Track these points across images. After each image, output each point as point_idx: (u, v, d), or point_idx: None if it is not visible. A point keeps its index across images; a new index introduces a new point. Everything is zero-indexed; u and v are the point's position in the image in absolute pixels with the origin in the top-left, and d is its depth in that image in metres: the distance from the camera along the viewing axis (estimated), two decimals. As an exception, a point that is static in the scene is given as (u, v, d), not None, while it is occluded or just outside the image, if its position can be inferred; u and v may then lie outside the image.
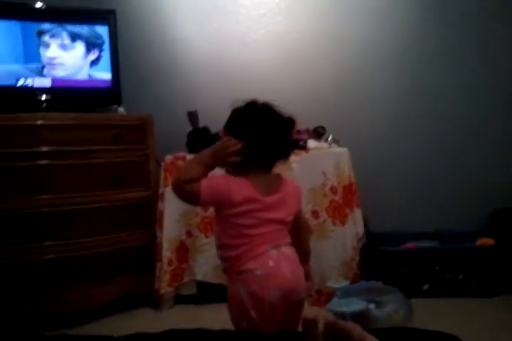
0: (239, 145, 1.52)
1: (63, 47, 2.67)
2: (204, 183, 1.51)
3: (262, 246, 1.52)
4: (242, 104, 1.60)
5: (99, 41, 2.75)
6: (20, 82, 2.60)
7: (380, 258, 2.64)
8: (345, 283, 2.33)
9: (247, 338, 1.37)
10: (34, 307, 2.40)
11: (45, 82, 2.65)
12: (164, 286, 2.64)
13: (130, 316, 2.59)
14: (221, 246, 1.57)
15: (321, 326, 1.06)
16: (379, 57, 3.16)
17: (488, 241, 2.78)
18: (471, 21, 3.12)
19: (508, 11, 3.10)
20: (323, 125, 2.91)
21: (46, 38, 2.63)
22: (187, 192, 1.52)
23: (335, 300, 2.16)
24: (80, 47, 2.70)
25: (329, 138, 2.85)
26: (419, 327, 1.42)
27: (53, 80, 2.66)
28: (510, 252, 2.68)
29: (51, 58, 2.65)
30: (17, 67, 2.60)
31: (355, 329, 1.02)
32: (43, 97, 2.61)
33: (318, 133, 2.89)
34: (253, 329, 1.49)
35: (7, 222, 2.36)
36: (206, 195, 1.50)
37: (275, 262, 1.51)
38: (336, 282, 2.37)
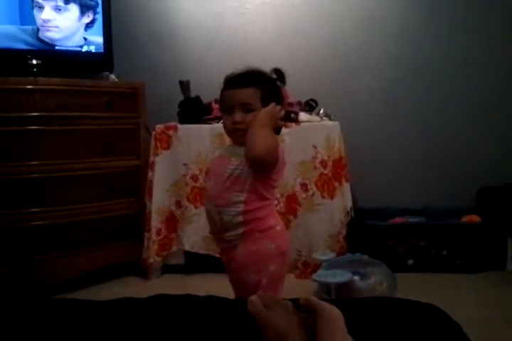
0: (283, 110, 1.58)
1: (57, 9, 2.62)
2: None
3: (274, 203, 1.66)
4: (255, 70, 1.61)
5: (93, 3, 2.70)
6: (13, 45, 2.56)
7: (366, 232, 2.66)
8: (331, 255, 2.35)
9: (234, 303, 1.40)
10: (22, 274, 2.40)
11: (38, 46, 2.60)
12: (152, 256, 2.66)
13: (118, 284, 2.61)
14: (248, 211, 1.55)
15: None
16: (374, 29, 3.15)
17: (474, 218, 2.81)
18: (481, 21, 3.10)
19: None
20: (315, 98, 2.90)
21: (39, -1, 2.58)
22: (275, 158, 1.53)
23: (321, 272, 2.18)
24: (74, 9, 2.65)
25: (321, 112, 2.85)
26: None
27: (46, 44, 2.62)
28: (495, 229, 2.71)
29: (45, 21, 2.60)
30: (12, 29, 2.56)
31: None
32: (34, 61, 2.57)
33: (310, 106, 2.88)
34: (273, 286, 1.57)
35: (-5, 187, 2.35)
36: (279, 159, 1.55)
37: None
38: (322, 254, 2.40)
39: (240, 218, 1.55)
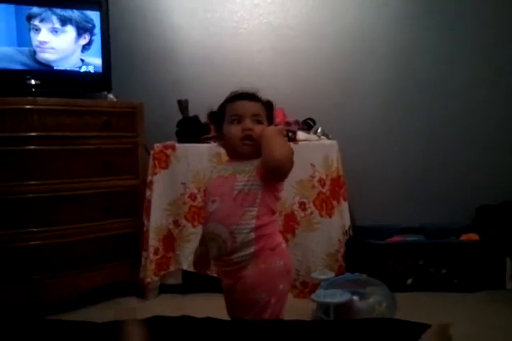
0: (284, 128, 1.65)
1: (54, 31, 2.64)
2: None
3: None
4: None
5: (89, 25, 2.73)
6: (11, 66, 2.57)
7: (365, 251, 2.65)
8: (330, 275, 2.34)
9: (232, 326, 1.39)
10: (18, 294, 2.38)
11: (36, 67, 2.62)
12: (150, 275, 2.64)
13: (115, 304, 2.58)
14: (259, 227, 1.55)
15: None
16: (373, 51, 3.17)
17: (473, 236, 2.81)
18: (466, 15, 3.12)
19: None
20: (313, 117, 2.91)
21: (36, 21, 2.60)
22: (292, 164, 1.55)
23: (320, 291, 2.17)
24: (70, 31, 2.68)
25: (318, 131, 2.86)
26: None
27: (44, 65, 2.64)
28: (494, 248, 2.71)
29: (41, 42, 2.62)
30: (10, 50, 2.57)
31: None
32: (33, 82, 2.58)
33: (308, 125, 2.89)
34: (280, 304, 1.57)
35: (-7, 207, 2.34)
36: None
37: None
38: (321, 273, 2.38)
39: (252, 235, 1.54)
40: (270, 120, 1.66)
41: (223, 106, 1.67)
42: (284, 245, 1.64)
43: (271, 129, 1.57)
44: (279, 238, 1.64)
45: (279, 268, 1.58)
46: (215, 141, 2.65)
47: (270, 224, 1.59)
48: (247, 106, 1.61)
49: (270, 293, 1.55)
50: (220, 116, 1.66)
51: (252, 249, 1.54)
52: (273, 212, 1.60)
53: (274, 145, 1.50)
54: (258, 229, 1.54)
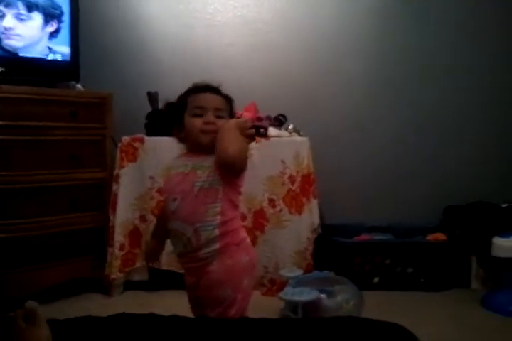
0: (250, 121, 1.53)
1: (19, 17, 2.55)
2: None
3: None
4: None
5: (57, 12, 2.64)
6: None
7: (333, 249, 2.65)
8: (298, 273, 2.33)
9: (198, 324, 1.35)
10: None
11: (0, 53, 2.52)
12: (115, 271, 2.59)
13: (78, 301, 2.53)
14: (224, 222, 1.53)
15: None
16: (348, 47, 3.16)
17: (440, 236, 2.82)
18: (447, 9, 3.12)
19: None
20: (285, 114, 2.89)
21: (0, 7, 2.50)
22: (246, 161, 1.51)
23: (288, 289, 2.15)
24: (37, 18, 2.59)
25: (290, 127, 2.84)
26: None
27: (9, 52, 2.54)
28: (460, 248, 2.73)
29: (6, 28, 2.52)
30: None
31: None
32: (-3, 69, 2.49)
33: (280, 122, 2.87)
34: (246, 300, 1.57)
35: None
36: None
37: None
38: (289, 271, 2.36)
39: (217, 232, 1.51)
40: (231, 116, 1.64)
41: (185, 97, 1.61)
42: (248, 240, 1.62)
43: (230, 123, 1.49)
44: (244, 233, 1.62)
45: (245, 264, 1.57)
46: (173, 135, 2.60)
47: (234, 219, 1.58)
48: (211, 100, 1.57)
49: (236, 289, 1.54)
50: (180, 107, 1.61)
51: (217, 245, 1.52)
52: (236, 207, 1.58)
53: (228, 141, 1.44)
54: (223, 225, 1.52)
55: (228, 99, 1.63)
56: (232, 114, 1.65)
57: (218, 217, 1.51)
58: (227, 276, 1.53)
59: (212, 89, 1.60)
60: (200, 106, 1.56)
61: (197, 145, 1.57)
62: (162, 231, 1.69)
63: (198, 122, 1.54)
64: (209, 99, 1.57)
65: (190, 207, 1.52)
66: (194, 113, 1.56)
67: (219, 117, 1.55)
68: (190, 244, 1.53)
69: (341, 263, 2.63)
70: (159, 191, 2.61)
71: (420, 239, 2.83)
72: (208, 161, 1.51)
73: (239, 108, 2.76)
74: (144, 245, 2.62)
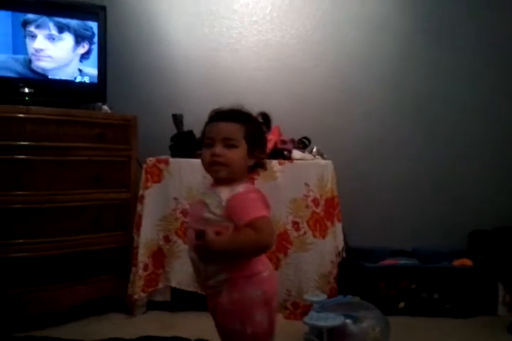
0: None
1: (51, 38, 2.60)
2: (266, 218, 1.44)
3: None
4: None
5: (88, 33, 2.70)
6: (5, 73, 2.53)
7: (358, 273, 2.62)
8: (322, 297, 2.29)
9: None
10: (3, 306, 2.30)
11: (30, 75, 2.58)
12: (138, 291, 2.58)
13: (101, 320, 2.52)
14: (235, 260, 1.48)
15: None
16: (370, 70, 3.19)
17: (466, 261, 2.78)
18: (463, 33, 3.15)
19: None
20: (309, 136, 2.90)
21: (32, 28, 2.56)
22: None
23: (312, 314, 2.11)
24: (68, 38, 2.64)
25: (314, 150, 2.84)
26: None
27: (38, 73, 2.60)
28: (486, 274, 2.68)
29: (37, 50, 2.59)
30: (4, 57, 2.53)
31: None
32: (26, 90, 2.53)
33: (303, 144, 2.88)
34: (261, 335, 1.49)
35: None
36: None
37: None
38: (314, 295, 2.33)
39: (221, 265, 1.47)
40: (258, 140, 1.55)
41: (205, 126, 1.56)
42: (265, 273, 1.53)
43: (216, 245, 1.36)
44: (260, 266, 1.53)
45: (256, 298, 1.48)
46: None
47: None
48: (220, 129, 1.50)
49: (245, 323, 1.48)
50: (202, 136, 1.57)
51: (223, 276, 1.47)
52: None
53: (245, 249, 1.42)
54: (232, 260, 1.47)
55: (247, 123, 1.53)
56: (258, 138, 1.56)
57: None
58: (234, 309, 1.48)
59: (225, 118, 1.52)
60: (209, 137, 1.51)
61: (211, 177, 1.55)
62: None
63: (207, 154, 1.50)
64: (218, 129, 1.50)
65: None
66: (205, 143, 1.52)
67: (229, 147, 1.49)
68: (200, 273, 1.51)
69: (366, 287, 2.59)
70: (183, 212, 2.62)
71: (446, 265, 2.79)
72: (217, 200, 1.46)
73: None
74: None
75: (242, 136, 1.50)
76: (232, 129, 1.50)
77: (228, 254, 1.42)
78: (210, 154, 1.49)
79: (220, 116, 1.53)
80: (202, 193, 1.58)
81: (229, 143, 1.49)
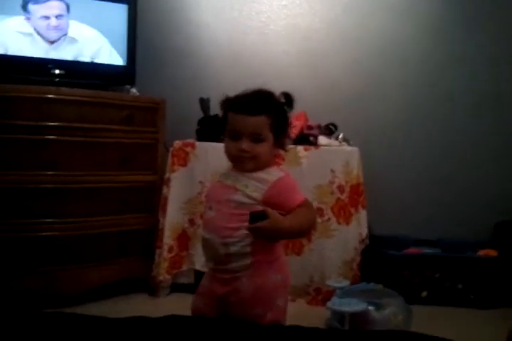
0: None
1: (83, 21, 2.64)
2: (304, 201, 1.50)
3: None
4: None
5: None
6: (35, 54, 2.56)
7: (382, 261, 2.61)
8: (345, 283, 2.30)
9: (250, 328, 1.35)
10: (30, 285, 2.35)
11: (61, 57, 2.61)
12: (162, 273, 2.61)
13: (125, 300, 2.56)
14: (256, 241, 1.47)
15: None
16: (398, 56, 3.13)
17: (491, 252, 2.75)
18: (491, 24, 3.08)
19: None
20: (335, 122, 2.88)
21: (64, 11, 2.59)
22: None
23: (335, 300, 2.12)
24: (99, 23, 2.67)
25: (340, 136, 2.82)
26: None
27: (69, 55, 2.63)
28: (511, 265, 2.65)
29: (70, 32, 2.62)
30: (36, 39, 2.57)
31: None
32: (56, 71, 2.56)
33: (330, 131, 2.85)
34: (279, 320, 1.51)
35: (8, 196, 2.32)
36: None
37: None
38: (337, 281, 2.34)
39: (248, 248, 1.47)
40: (283, 125, 1.54)
41: (226, 111, 1.54)
42: (283, 258, 1.57)
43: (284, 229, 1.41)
44: (280, 251, 1.56)
45: (277, 283, 1.51)
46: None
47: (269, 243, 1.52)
48: (247, 124, 1.47)
49: (266, 308, 1.49)
50: (222, 121, 1.56)
51: (247, 261, 1.48)
52: None
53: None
54: (256, 243, 1.47)
55: (273, 112, 1.50)
56: (284, 122, 1.55)
57: (248, 238, 1.46)
58: (257, 295, 1.49)
59: (250, 110, 1.47)
60: (235, 130, 1.49)
61: (236, 168, 1.55)
62: None
63: (233, 147, 1.49)
64: (244, 124, 1.47)
65: (224, 221, 1.48)
66: (230, 135, 1.51)
67: (257, 141, 1.48)
68: (219, 256, 1.49)
69: (389, 275, 2.59)
70: (207, 196, 2.63)
71: (471, 255, 2.76)
72: (253, 184, 1.47)
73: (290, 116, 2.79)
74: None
75: (268, 128, 1.50)
76: (260, 124, 1.48)
77: (290, 234, 1.48)
78: (238, 149, 1.48)
79: (245, 107, 1.49)
80: (228, 176, 1.55)
81: (256, 138, 1.48)
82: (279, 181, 1.48)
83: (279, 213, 1.41)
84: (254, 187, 1.47)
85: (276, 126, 1.51)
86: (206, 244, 1.52)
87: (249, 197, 1.46)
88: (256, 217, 1.37)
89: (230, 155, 1.52)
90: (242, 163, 1.51)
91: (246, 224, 1.41)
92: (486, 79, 3.09)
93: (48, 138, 2.37)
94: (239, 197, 1.47)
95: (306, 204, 1.49)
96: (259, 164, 1.51)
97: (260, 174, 1.50)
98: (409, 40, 3.13)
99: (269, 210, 1.37)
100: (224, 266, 1.49)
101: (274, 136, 1.51)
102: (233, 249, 1.46)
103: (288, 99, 1.56)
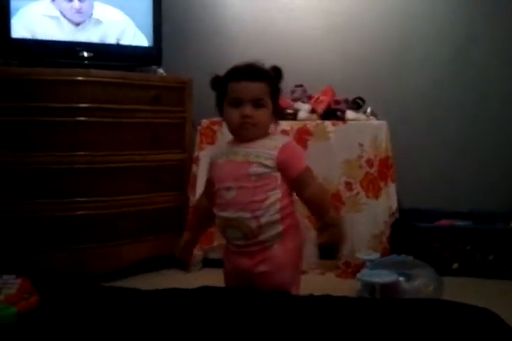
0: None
1: (107, 2, 2.67)
2: (308, 167, 1.56)
3: None
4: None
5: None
6: (63, 37, 2.60)
7: (411, 234, 2.62)
8: (375, 256, 2.32)
9: (282, 298, 1.38)
10: (64, 262, 2.42)
11: (89, 38, 2.64)
12: (194, 249, 2.66)
13: (158, 276, 2.62)
14: (285, 206, 1.53)
15: None
16: (427, 29, 3.08)
17: (524, 223, 2.73)
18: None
19: None
20: (363, 96, 2.86)
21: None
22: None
23: (365, 271, 2.14)
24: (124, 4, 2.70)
25: (368, 110, 2.80)
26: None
27: (96, 37, 2.66)
28: (545, 236, 2.63)
29: (95, 14, 2.65)
30: (64, 22, 2.61)
31: None
32: (85, 54, 2.60)
33: (357, 105, 2.84)
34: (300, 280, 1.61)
35: (43, 176, 2.38)
36: None
37: None
38: (367, 254, 2.36)
39: (278, 216, 1.51)
40: (277, 95, 1.59)
41: (225, 82, 1.57)
42: (300, 220, 1.65)
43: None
44: (298, 216, 1.63)
45: (301, 245, 1.61)
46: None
47: (291, 202, 1.57)
48: (248, 89, 1.50)
49: (296, 269, 1.59)
50: (221, 92, 1.59)
51: (279, 229, 1.52)
52: (291, 192, 1.56)
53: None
54: (283, 209, 1.52)
55: (271, 80, 1.55)
56: (278, 92, 1.59)
57: (278, 203, 1.50)
58: (289, 258, 1.55)
59: (251, 76, 1.52)
60: (236, 97, 1.51)
61: (239, 137, 1.56)
62: (199, 224, 1.74)
63: (235, 115, 1.51)
64: (246, 90, 1.50)
65: (249, 196, 1.49)
66: (231, 103, 1.53)
67: (258, 106, 1.50)
68: (251, 231, 1.50)
69: (419, 248, 2.59)
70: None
71: (503, 226, 2.75)
72: (264, 152, 1.50)
73: (317, 91, 2.78)
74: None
75: (268, 94, 1.53)
76: (261, 89, 1.51)
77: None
78: (241, 115, 1.50)
79: (244, 74, 1.53)
80: (233, 153, 1.55)
81: (258, 103, 1.50)
82: (286, 146, 1.53)
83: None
84: (265, 154, 1.50)
85: (274, 94, 1.55)
86: (233, 224, 1.52)
87: (265, 166, 1.49)
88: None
89: (233, 124, 1.54)
90: (245, 130, 1.52)
91: (273, 191, 1.49)
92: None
93: (80, 120, 2.41)
94: (256, 168, 1.49)
95: (308, 170, 1.55)
96: (260, 131, 1.54)
97: (266, 141, 1.53)
98: (438, 12, 3.07)
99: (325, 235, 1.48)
100: (255, 239, 1.52)
101: (272, 103, 1.55)
102: (264, 219, 1.49)
103: (277, 72, 1.59)
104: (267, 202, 1.49)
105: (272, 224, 1.51)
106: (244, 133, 1.54)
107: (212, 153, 1.69)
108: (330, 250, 1.49)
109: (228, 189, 1.52)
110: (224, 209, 1.54)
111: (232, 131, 1.58)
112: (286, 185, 1.53)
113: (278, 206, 1.50)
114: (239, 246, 1.56)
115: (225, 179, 1.54)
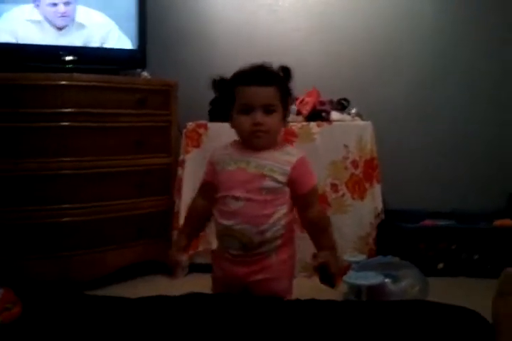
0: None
1: (91, 6, 2.65)
2: (316, 185, 1.60)
3: None
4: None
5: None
6: (46, 41, 2.58)
7: (397, 235, 2.64)
8: (361, 257, 2.33)
9: (270, 303, 1.39)
10: (50, 270, 2.40)
11: (72, 42, 2.63)
12: (179, 254, 2.65)
13: (144, 282, 2.61)
14: (288, 222, 1.54)
15: None
16: (409, 29, 3.11)
17: (507, 222, 2.76)
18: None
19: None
20: (347, 97, 2.87)
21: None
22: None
23: (351, 273, 2.16)
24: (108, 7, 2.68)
25: (352, 111, 2.82)
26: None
27: (79, 41, 2.65)
28: (528, 234, 2.66)
29: (78, 18, 2.64)
30: (46, 26, 2.59)
31: None
32: (68, 58, 2.59)
33: (342, 106, 2.85)
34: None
35: (27, 183, 2.36)
36: None
37: None
38: (353, 256, 2.37)
39: (282, 231, 1.51)
40: (288, 97, 1.56)
41: (232, 87, 1.51)
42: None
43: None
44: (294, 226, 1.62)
45: (295, 255, 1.63)
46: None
47: (294, 218, 1.58)
48: (259, 95, 1.46)
49: (291, 278, 1.60)
50: (228, 98, 1.52)
51: (279, 241, 1.52)
52: (293, 208, 1.56)
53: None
54: (288, 225, 1.53)
55: (281, 83, 1.51)
56: (289, 95, 1.56)
57: (285, 217, 1.51)
58: (285, 267, 1.56)
59: (260, 81, 1.47)
60: (246, 104, 1.47)
61: (250, 145, 1.52)
62: (195, 228, 1.71)
63: (246, 122, 1.47)
64: (256, 95, 1.46)
65: (257, 209, 1.47)
66: (241, 109, 1.48)
67: (269, 112, 1.47)
68: (252, 244, 1.49)
69: (405, 248, 2.61)
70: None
71: (486, 225, 2.77)
72: (278, 167, 1.48)
73: (301, 92, 2.79)
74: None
75: (279, 98, 1.50)
76: (271, 94, 1.48)
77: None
78: (252, 123, 1.46)
79: (254, 79, 1.48)
80: (246, 161, 1.51)
81: (269, 109, 1.47)
82: (300, 162, 1.51)
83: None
84: (279, 170, 1.48)
85: (284, 98, 1.52)
86: (234, 234, 1.50)
87: (278, 181, 1.48)
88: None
89: (244, 131, 1.50)
90: (257, 139, 1.49)
91: (280, 207, 1.50)
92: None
93: (64, 125, 2.39)
94: (269, 183, 1.47)
95: (315, 189, 1.59)
96: (272, 138, 1.52)
97: (279, 154, 1.51)
98: (426, 12, 3.09)
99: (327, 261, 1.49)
100: (254, 251, 1.50)
101: (282, 107, 1.52)
102: (268, 234, 1.48)
103: (286, 72, 1.55)
104: (275, 217, 1.48)
105: (275, 239, 1.51)
106: (255, 142, 1.50)
107: (214, 156, 1.62)
108: (328, 276, 1.49)
109: (236, 199, 1.48)
110: (227, 218, 1.51)
111: (243, 138, 1.53)
112: (291, 201, 1.53)
113: (283, 222, 1.50)
114: (234, 256, 1.54)
115: (234, 188, 1.50)
